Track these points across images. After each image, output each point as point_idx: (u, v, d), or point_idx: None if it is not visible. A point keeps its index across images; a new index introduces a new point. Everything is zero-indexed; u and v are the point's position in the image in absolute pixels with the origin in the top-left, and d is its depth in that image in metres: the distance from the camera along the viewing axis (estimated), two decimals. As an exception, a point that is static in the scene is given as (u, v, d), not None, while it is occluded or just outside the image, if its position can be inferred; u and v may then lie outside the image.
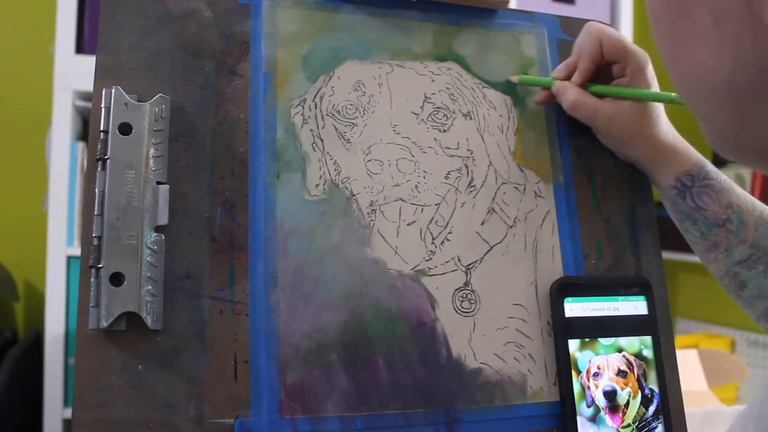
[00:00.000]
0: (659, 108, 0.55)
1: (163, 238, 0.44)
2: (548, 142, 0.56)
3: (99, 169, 0.44)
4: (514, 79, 0.57)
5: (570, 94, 0.54)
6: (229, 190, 0.47)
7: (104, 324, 0.41)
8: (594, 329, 0.51)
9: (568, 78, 0.55)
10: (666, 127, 0.55)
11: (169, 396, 0.43)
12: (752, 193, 1.77)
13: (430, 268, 0.50)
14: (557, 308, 0.51)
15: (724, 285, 0.57)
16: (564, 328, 0.51)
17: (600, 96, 0.54)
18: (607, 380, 0.50)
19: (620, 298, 0.53)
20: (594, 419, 0.49)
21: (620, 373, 0.50)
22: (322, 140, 0.50)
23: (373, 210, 0.50)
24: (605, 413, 0.49)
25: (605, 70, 0.55)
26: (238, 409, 0.44)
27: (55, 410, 1.22)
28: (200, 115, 0.48)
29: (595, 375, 0.50)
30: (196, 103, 0.48)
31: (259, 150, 0.49)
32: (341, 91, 0.52)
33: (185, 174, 0.47)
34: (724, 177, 0.55)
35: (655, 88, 0.54)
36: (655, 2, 0.29)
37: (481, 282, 0.51)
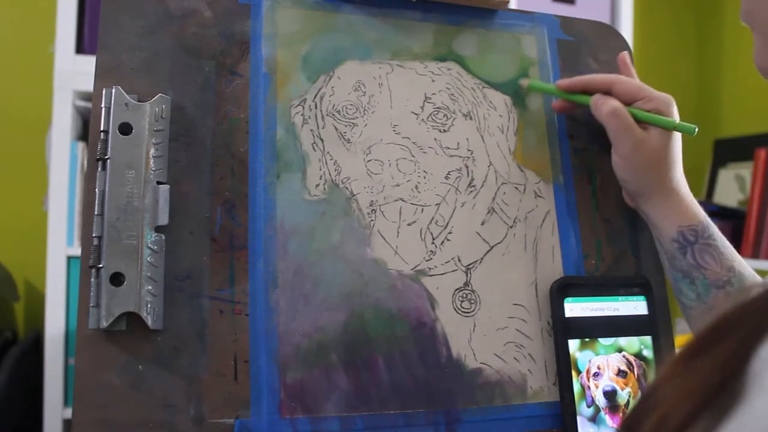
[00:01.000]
0: (679, 155, 0.53)
1: (163, 238, 0.44)
2: (548, 142, 0.56)
3: (99, 169, 0.44)
4: (524, 82, 0.56)
5: (613, 101, 0.52)
6: (229, 190, 0.47)
7: (104, 324, 0.41)
8: (594, 329, 0.51)
9: (570, 89, 0.55)
10: (680, 177, 0.54)
11: (169, 396, 0.43)
12: (752, 193, 1.76)
13: (430, 268, 0.50)
14: (557, 308, 0.51)
15: None
16: (564, 328, 0.51)
17: None
18: (607, 380, 0.50)
19: (620, 298, 0.53)
20: (594, 419, 0.49)
21: (620, 373, 0.50)
22: (322, 140, 0.50)
23: (373, 210, 0.50)
24: (605, 413, 0.49)
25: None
26: (238, 409, 0.44)
27: (55, 410, 1.22)
28: (200, 115, 0.48)
29: (595, 375, 0.50)
30: (196, 103, 0.48)
31: (259, 150, 0.49)
32: (341, 91, 0.52)
33: (185, 174, 0.47)
34: (727, 242, 0.53)
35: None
36: None
37: (481, 282, 0.51)
